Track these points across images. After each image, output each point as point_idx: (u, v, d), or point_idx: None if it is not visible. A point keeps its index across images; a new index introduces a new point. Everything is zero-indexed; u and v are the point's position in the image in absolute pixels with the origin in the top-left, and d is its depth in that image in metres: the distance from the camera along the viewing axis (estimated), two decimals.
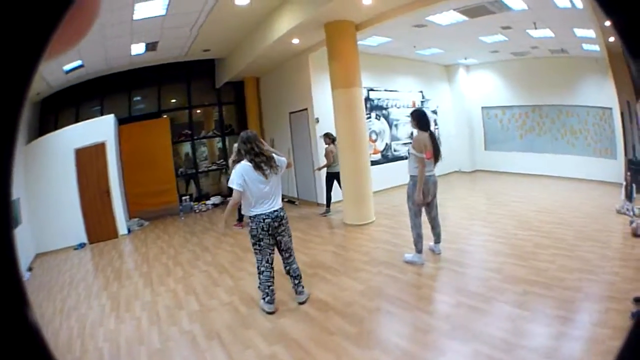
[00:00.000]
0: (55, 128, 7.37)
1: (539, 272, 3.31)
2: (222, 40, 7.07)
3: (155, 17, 5.48)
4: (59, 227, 6.81)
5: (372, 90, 7.79)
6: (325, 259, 4.40)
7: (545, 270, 3.36)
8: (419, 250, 3.78)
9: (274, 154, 3.08)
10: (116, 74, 7.76)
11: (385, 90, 7.99)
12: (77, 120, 7.72)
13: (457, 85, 9.07)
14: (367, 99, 7.75)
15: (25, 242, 6.33)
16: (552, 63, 7.33)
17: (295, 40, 6.18)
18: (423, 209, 3.79)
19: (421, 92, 8.62)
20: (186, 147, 9.16)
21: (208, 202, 8.56)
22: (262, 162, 2.97)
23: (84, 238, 6.95)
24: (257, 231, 3.00)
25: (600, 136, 6.72)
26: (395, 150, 8.20)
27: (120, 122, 8.02)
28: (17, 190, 6.20)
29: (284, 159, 3.14)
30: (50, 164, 6.78)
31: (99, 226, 7.04)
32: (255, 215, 3.00)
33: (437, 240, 4.01)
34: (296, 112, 7.45)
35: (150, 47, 6.94)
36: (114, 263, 5.66)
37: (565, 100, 7.23)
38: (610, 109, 6.24)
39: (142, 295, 4.10)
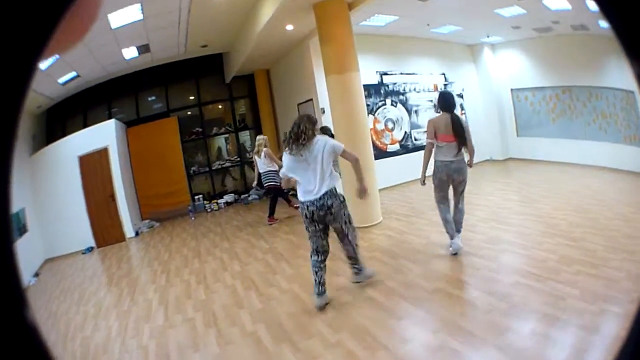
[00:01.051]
0: (63, 136, 7.38)
1: (557, 301, 2.49)
2: (216, 34, 6.76)
3: (135, 22, 5.36)
4: (67, 232, 6.94)
5: (385, 74, 7.06)
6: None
7: (563, 298, 2.54)
8: (449, 235, 3.51)
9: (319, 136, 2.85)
10: (122, 77, 7.62)
11: (402, 74, 7.22)
12: (85, 127, 7.67)
13: (484, 65, 8.09)
14: (381, 84, 7.02)
15: (33, 248, 6.39)
16: (576, 41, 6.34)
17: (290, 27, 5.72)
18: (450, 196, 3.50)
19: (443, 74, 7.74)
20: (219, 141, 8.98)
21: (220, 200, 8.20)
22: (293, 142, 2.79)
23: (91, 242, 7.07)
24: (303, 219, 2.88)
25: (628, 121, 5.65)
26: (416, 139, 7.38)
27: (129, 124, 7.99)
28: (24, 200, 6.34)
29: (335, 142, 2.86)
30: (56, 172, 6.89)
31: (105, 230, 6.99)
32: (301, 202, 2.86)
33: (457, 228, 3.55)
34: (303, 102, 6.90)
35: (143, 49, 6.80)
36: (121, 266, 5.63)
37: (593, 81, 6.15)
38: (633, 92, 5.15)
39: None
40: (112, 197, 7.00)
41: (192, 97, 8.50)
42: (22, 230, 6.07)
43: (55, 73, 6.27)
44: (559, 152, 7.06)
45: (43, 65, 5.61)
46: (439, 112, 3.46)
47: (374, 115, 6.92)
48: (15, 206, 6.04)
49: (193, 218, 7.67)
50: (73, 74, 6.71)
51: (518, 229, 4.01)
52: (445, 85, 7.76)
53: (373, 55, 6.89)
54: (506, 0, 5.46)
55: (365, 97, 6.82)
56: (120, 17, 5.12)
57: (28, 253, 6.11)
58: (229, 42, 7.20)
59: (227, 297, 3.55)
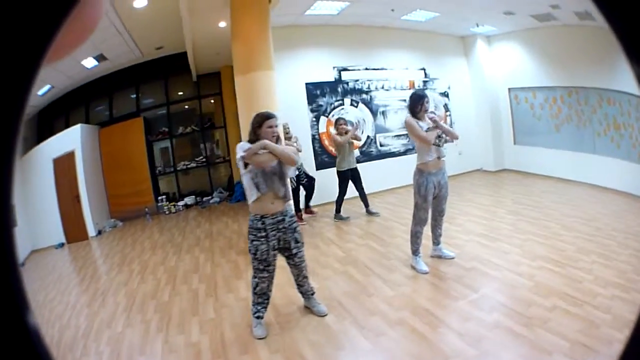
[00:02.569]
0: (50, 136, 7.88)
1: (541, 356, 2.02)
2: (163, 36, 6.59)
3: None
4: (45, 228, 7.41)
5: (345, 70, 6.22)
6: None
7: (549, 352, 2.05)
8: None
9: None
10: (97, 80, 7.87)
11: (367, 70, 6.30)
12: (67, 127, 8.06)
13: (476, 60, 6.79)
14: (339, 82, 6.21)
15: (21, 241, 6.91)
16: (584, 33, 5.08)
17: (222, 24, 5.34)
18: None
19: (423, 69, 6.62)
20: (187, 140, 8.86)
21: (180, 203, 8.00)
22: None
23: (62, 238, 7.40)
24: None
25: None
26: (382, 145, 6.41)
27: (103, 124, 8.23)
28: (14, 197, 6.88)
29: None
30: (37, 173, 7.35)
31: (72, 228, 7.28)
32: None
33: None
34: None
35: (100, 58, 6.92)
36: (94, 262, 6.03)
37: (605, 83, 4.70)
38: None
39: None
40: (77, 197, 7.25)
41: (160, 97, 8.46)
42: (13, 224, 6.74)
43: (34, 87, 6.76)
44: (562, 166, 5.61)
45: None
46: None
47: (327, 117, 6.13)
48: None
49: (150, 220, 7.62)
50: (47, 86, 7.10)
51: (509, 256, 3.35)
52: (425, 82, 6.63)
53: (328, 48, 6.15)
54: None
55: (318, 96, 6.13)
56: None
57: (18, 245, 6.68)
58: (179, 42, 7.03)
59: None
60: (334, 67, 6.25)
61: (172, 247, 5.50)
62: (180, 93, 8.74)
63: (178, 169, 8.60)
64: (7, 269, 0.20)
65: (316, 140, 6.11)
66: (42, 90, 7.12)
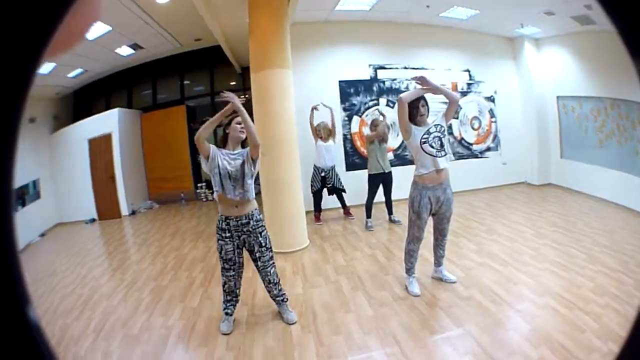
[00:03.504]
0: (89, 116, 8.17)
1: None
2: (196, 27, 6.53)
3: (106, 33, 5.63)
4: (76, 203, 7.85)
5: (381, 68, 5.89)
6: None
7: None
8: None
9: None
10: (140, 65, 8.00)
11: (405, 69, 5.94)
12: (108, 109, 8.31)
13: (524, 64, 6.21)
14: (374, 80, 5.91)
15: (45, 213, 7.29)
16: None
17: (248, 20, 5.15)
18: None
19: (468, 70, 6.15)
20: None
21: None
22: None
23: (94, 214, 7.76)
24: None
25: None
26: None
27: (146, 109, 8.47)
28: (40, 171, 7.26)
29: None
30: (71, 151, 7.73)
31: (105, 206, 7.57)
32: None
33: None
34: None
35: (135, 47, 6.99)
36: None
37: None
38: None
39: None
40: (112, 178, 7.49)
41: (205, 86, 8.53)
42: (37, 196, 6.96)
43: (62, 71, 6.87)
44: (603, 185, 5.02)
45: (46, 69, 6.33)
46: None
47: (360, 116, 5.86)
48: (33, 175, 6.91)
49: (184, 205, 7.89)
50: (79, 70, 7.29)
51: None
52: (469, 84, 6.16)
53: (363, 45, 5.86)
54: None
55: (352, 94, 5.87)
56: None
57: (39, 216, 7.02)
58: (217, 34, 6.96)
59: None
60: (369, 65, 5.94)
61: (192, 234, 5.56)
62: (228, 84, 8.75)
63: None
64: (7, 263, 0.19)
65: (348, 140, 5.87)
66: (73, 73, 7.31)
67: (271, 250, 2.64)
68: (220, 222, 2.54)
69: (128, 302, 3.36)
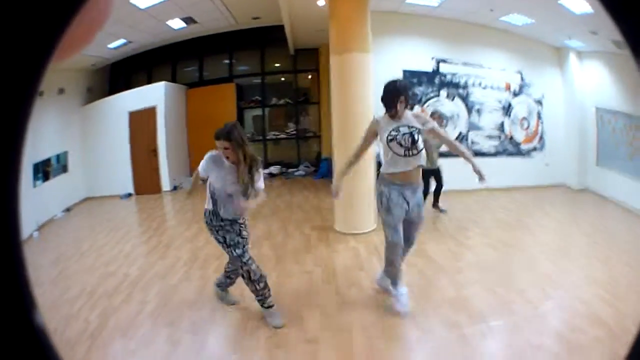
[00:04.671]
0: (127, 89, 8.01)
1: None
2: (257, 5, 6.59)
3: (159, 2, 5.56)
4: (110, 177, 7.65)
5: (443, 62, 6.14)
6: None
7: None
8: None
9: None
10: (187, 41, 7.94)
11: (465, 65, 6.20)
12: (149, 84, 8.18)
13: (569, 73, 6.58)
14: (436, 73, 6.14)
15: (72, 187, 7.12)
16: None
17: (321, 2, 5.30)
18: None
19: (520, 72, 6.47)
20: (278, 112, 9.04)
21: (264, 170, 8.19)
22: None
23: (130, 189, 7.61)
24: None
25: None
26: (473, 143, 6.30)
27: (191, 85, 8.40)
28: (68, 144, 7.02)
29: None
30: (108, 123, 7.58)
31: (145, 181, 7.39)
32: None
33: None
34: None
35: (188, 21, 6.92)
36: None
37: None
38: None
39: None
40: (154, 151, 7.36)
41: (255, 66, 8.56)
42: (63, 170, 6.78)
43: (103, 40, 6.67)
44: (632, 196, 5.29)
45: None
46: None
47: (421, 107, 6.06)
48: (59, 148, 6.70)
49: None
50: (122, 41, 7.09)
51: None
52: (521, 86, 6.47)
53: (427, 39, 6.12)
54: None
55: (415, 84, 6.07)
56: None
57: (65, 190, 6.80)
58: (278, 15, 7.02)
59: None
60: (432, 58, 6.18)
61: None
62: (277, 65, 8.82)
63: (267, 138, 8.76)
64: (13, 267, 0.19)
65: None
66: (115, 43, 7.12)
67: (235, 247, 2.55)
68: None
69: (192, 281, 3.28)
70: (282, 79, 8.96)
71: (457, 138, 6.25)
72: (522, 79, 6.55)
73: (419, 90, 6.10)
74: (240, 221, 2.59)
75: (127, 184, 7.55)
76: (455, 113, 6.19)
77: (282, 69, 8.79)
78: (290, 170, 8.28)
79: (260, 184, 2.48)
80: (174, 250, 4.12)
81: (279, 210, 5.71)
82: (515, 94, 6.48)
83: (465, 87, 6.26)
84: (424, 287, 3.00)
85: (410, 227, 2.61)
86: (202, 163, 2.56)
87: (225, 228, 2.51)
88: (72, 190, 7.19)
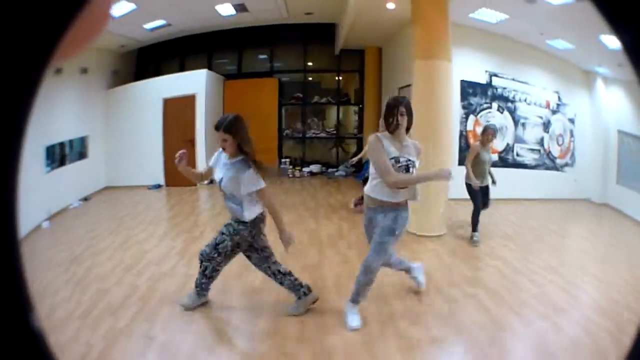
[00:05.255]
0: (155, 76, 7.67)
1: None
2: (319, 2, 6.54)
3: None
4: (136, 166, 7.25)
5: (495, 75, 6.43)
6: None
7: None
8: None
9: None
10: (226, 31, 7.70)
11: (513, 80, 6.54)
12: (182, 71, 7.85)
13: (596, 97, 7.18)
14: (489, 85, 6.41)
15: (90, 174, 6.71)
16: None
17: (391, 5, 5.51)
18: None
19: (557, 92, 6.93)
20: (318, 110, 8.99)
21: (305, 169, 8.16)
22: None
23: (161, 180, 7.27)
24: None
25: None
26: (518, 155, 6.62)
27: (228, 77, 8.19)
28: (89, 129, 6.66)
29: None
30: (137, 109, 7.19)
31: (177, 172, 6.98)
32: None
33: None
34: (403, 87, 6.51)
35: (239, 8, 6.76)
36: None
37: None
38: None
39: None
40: (192, 142, 7.01)
41: (297, 62, 8.49)
42: (81, 155, 6.40)
43: (140, 19, 6.39)
44: None
45: (121, 11, 5.82)
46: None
47: (476, 116, 6.29)
48: (78, 132, 6.31)
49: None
50: (162, 22, 6.87)
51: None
52: (558, 105, 6.93)
53: (482, 52, 6.40)
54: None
55: (469, 95, 6.29)
56: None
57: (83, 177, 6.42)
58: (336, 13, 7.02)
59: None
60: (485, 71, 6.45)
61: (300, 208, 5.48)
62: (317, 63, 8.74)
63: (307, 136, 8.64)
64: (12, 272, 0.19)
65: (463, 136, 6.26)
66: (152, 24, 6.83)
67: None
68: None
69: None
70: (324, 77, 8.93)
71: (504, 149, 6.56)
72: (559, 98, 7.00)
73: (473, 100, 6.34)
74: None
75: (156, 174, 7.13)
76: (504, 125, 6.49)
77: (324, 67, 8.74)
78: (330, 170, 8.24)
79: (252, 186, 2.34)
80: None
81: (342, 208, 5.64)
82: (554, 112, 6.92)
83: (513, 101, 6.60)
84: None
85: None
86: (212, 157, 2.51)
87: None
88: (91, 178, 6.77)
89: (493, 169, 4.62)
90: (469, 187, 4.25)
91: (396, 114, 2.34)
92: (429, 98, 4.38)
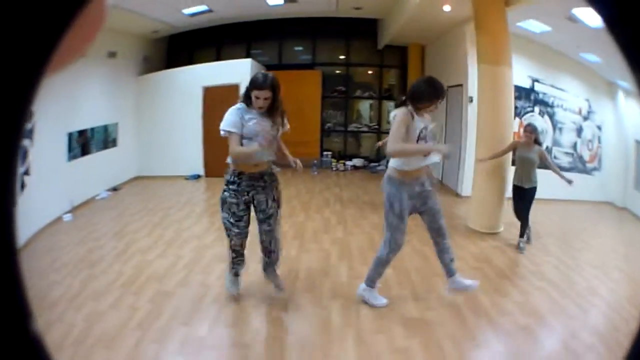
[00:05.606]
0: (189, 64, 7.51)
1: None
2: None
3: None
4: (173, 156, 7.08)
5: (537, 81, 6.72)
6: None
7: None
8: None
9: None
10: (266, 21, 7.60)
11: (552, 87, 6.84)
12: (218, 60, 7.69)
13: (618, 107, 7.67)
14: (532, 90, 6.69)
15: (120, 164, 6.52)
16: None
17: (447, 7, 5.70)
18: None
19: (587, 100, 7.32)
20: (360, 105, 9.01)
21: (348, 162, 8.21)
22: None
23: (200, 170, 7.13)
24: None
25: None
26: (555, 157, 6.91)
27: (268, 68, 8.05)
28: (120, 116, 6.49)
29: None
30: (174, 97, 6.99)
31: (218, 162, 6.77)
32: None
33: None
34: (452, 86, 6.63)
35: None
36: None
37: None
38: None
39: None
40: None
41: (341, 56, 8.53)
42: (107, 144, 6.17)
43: (180, 3, 6.26)
44: None
45: None
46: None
47: (520, 119, 6.52)
48: (105, 119, 6.11)
49: (315, 172, 7.63)
50: (203, 7, 6.70)
51: None
52: (589, 112, 7.31)
53: (525, 58, 6.66)
54: None
55: (515, 98, 6.51)
56: None
57: (112, 167, 6.21)
58: (383, 9, 7.09)
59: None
60: (528, 76, 6.72)
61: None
62: (360, 57, 8.74)
63: (349, 129, 8.61)
64: (9, 276, 0.19)
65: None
66: (193, 9, 6.66)
67: (280, 208, 2.61)
68: (232, 176, 2.50)
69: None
70: (369, 72, 8.95)
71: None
72: (589, 106, 7.40)
73: (518, 103, 6.57)
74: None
75: (194, 165, 6.92)
76: (544, 129, 6.78)
77: (366, 62, 8.76)
78: (372, 164, 8.27)
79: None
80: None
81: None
82: (585, 119, 7.30)
83: (552, 106, 6.92)
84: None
85: (435, 217, 2.57)
86: (231, 119, 2.46)
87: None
88: (120, 168, 6.53)
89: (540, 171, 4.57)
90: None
91: (437, 102, 2.45)
92: (493, 100, 4.71)
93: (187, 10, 6.71)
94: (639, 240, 5.71)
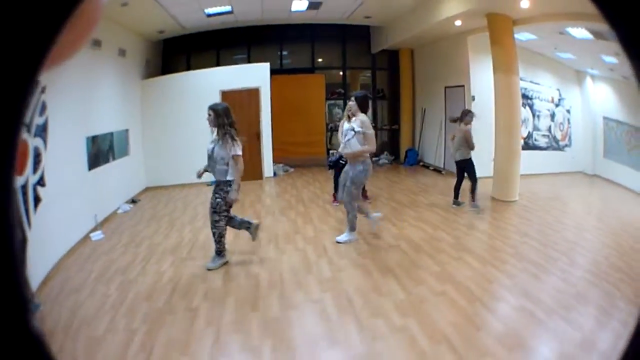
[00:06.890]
0: (187, 69, 7.71)
1: None
2: (386, 10, 7.25)
3: None
4: (187, 163, 6.58)
5: (521, 79, 7.78)
6: None
7: None
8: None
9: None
10: (263, 27, 7.91)
11: (531, 82, 8.00)
12: (218, 64, 7.87)
13: (586, 92, 9.01)
14: None
15: (133, 173, 6.39)
16: None
17: (458, 22, 6.65)
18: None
19: (558, 90, 8.57)
20: None
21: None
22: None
23: None
24: None
25: None
26: (535, 140, 8.14)
27: (270, 72, 8.36)
28: (128, 122, 6.29)
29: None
30: (190, 101, 6.91)
31: (245, 166, 7.21)
32: None
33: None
34: (452, 87, 7.51)
35: (313, 6, 7.10)
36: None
37: None
38: None
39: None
40: (258, 136, 7.30)
41: (337, 60, 9.12)
42: (122, 152, 5.95)
43: (205, 2, 6.22)
44: (630, 180, 7.82)
45: None
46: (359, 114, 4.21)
47: None
48: (119, 125, 5.87)
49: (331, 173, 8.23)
50: (225, 8, 6.70)
51: None
52: (559, 99, 8.57)
53: None
54: (609, 52, 6.45)
55: None
56: None
57: (125, 177, 5.95)
58: (390, 19, 7.72)
59: None
60: None
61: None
62: (355, 60, 9.33)
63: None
64: (11, 274, 0.19)
65: None
66: (215, 9, 6.61)
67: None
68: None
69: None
70: (363, 74, 9.65)
71: (527, 136, 8.04)
72: (560, 94, 8.66)
73: None
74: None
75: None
76: (526, 117, 7.94)
77: (360, 65, 9.45)
78: (373, 159, 9.01)
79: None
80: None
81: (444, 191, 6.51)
82: (556, 105, 8.57)
83: (531, 98, 8.08)
84: None
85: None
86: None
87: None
88: (133, 178, 6.32)
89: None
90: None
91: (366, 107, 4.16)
92: (508, 102, 5.96)
93: (210, 10, 6.63)
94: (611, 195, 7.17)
